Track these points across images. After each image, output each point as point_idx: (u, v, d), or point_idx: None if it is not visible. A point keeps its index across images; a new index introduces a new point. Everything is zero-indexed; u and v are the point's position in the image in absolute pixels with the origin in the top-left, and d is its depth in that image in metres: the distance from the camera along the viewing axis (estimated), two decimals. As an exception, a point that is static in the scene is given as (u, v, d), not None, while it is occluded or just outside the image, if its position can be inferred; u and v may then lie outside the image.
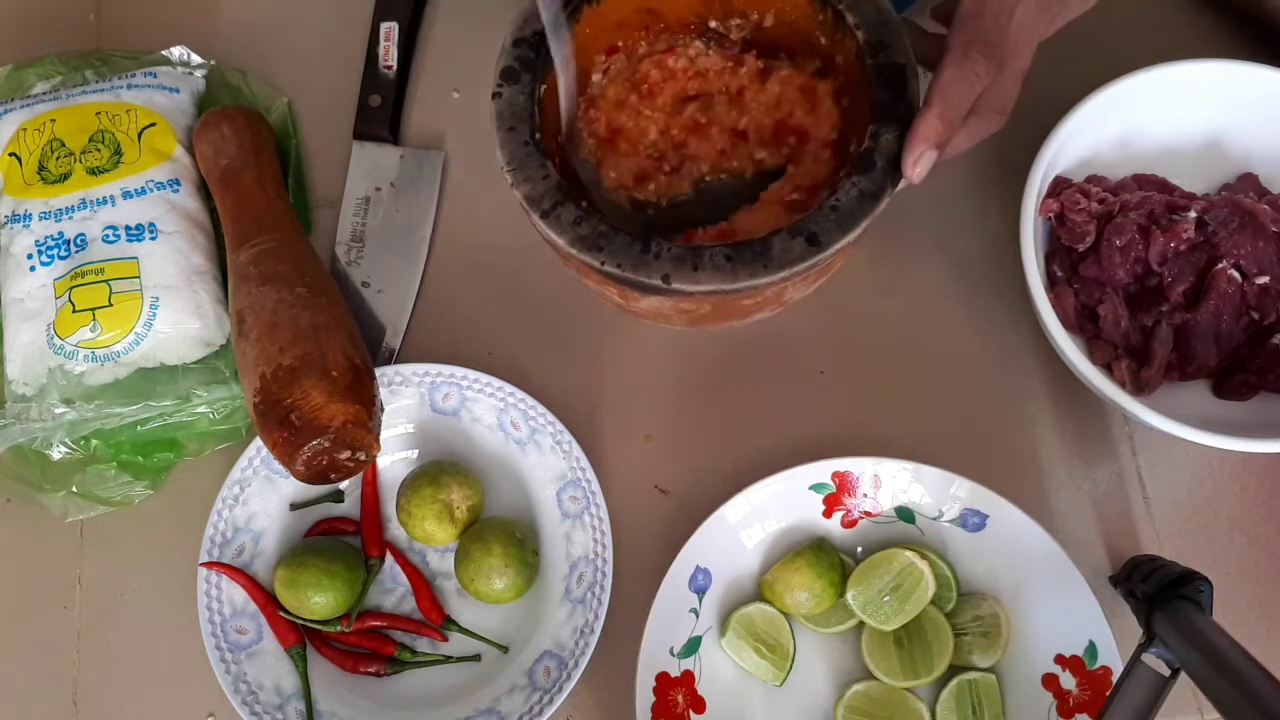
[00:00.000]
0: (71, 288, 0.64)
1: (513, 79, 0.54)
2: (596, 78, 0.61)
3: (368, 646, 0.63)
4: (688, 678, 0.61)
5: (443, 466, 0.64)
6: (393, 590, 0.65)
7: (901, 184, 0.52)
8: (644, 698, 0.59)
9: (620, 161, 0.60)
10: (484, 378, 0.65)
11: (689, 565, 0.61)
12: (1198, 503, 0.65)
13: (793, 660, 0.61)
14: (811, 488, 0.62)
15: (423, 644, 0.64)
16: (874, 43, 0.55)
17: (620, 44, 0.61)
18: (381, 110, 0.73)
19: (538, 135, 0.53)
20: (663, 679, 0.60)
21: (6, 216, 0.67)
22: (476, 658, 0.63)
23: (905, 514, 0.63)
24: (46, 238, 0.65)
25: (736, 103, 0.61)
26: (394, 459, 0.67)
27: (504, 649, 0.63)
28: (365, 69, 0.73)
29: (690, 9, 0.61)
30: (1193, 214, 0.62)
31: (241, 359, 0.61)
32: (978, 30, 0.50)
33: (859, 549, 0.64)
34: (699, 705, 0.60)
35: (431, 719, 0.61)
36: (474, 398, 0.66)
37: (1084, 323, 0.64)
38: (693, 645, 0.61)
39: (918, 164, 0.51)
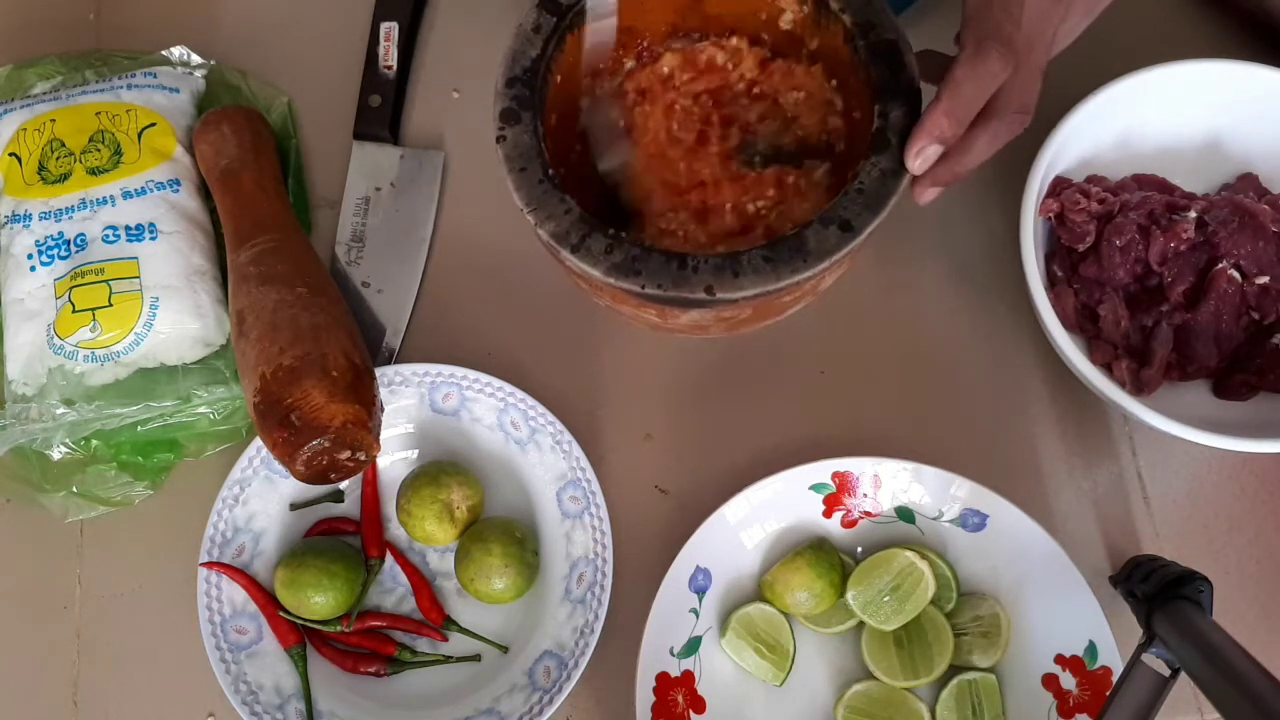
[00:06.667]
0: (71, 288, 0.64)
1: (514, 120, 0.54)
2: (584, 101, 0.61)
3: (368, 646, 0.63)
4: (688, 678, 0.61)
5: (443, 466, 0.64)
6: (393, 590, 0.65)
7: (905, 178, 0.52)
8: (644, 698, 0.59)
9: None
10: (484, 378, 0.65)
11: (689, 565, 0.61)
12: (1198, 503, 0.65)
13: (793, 660, 0.61)
14: (811, 488, 0.62)
15: (423, 644, 0.64)
16: (861, 23, 0.54)
17: (602, 65, 0.61)
18: (381, 110, 0.73)
19: (550, 171, 0.53)
20: (663, 679, 0.60)
21: (6, 216, 0.67)
22: (476, 658, 0.63)
23: (905, 514, 0.63)
24: (46, 238, 0.65)
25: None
26: (394, 459, 0.67)
27: (504, 649, 0.63)
28: (365, 69, 0.73)
29: (665, 21, 0.61)
30: (1193, 214, 0.62)
31: (241, 359, 0.61)
32: (988, 24, 0.49)
33: (859, 549, 0.64)
34: (699, 705, 0.60)
35: (431, 719, 0.61)
36: (474, 398, 0.66)
37: (1084, 323, 0.64)
38: (693, 645, 0.61)
39: (918, 156, 0.50)
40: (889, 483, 0.62)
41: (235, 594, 0.63)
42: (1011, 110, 0.51)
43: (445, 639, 0.64)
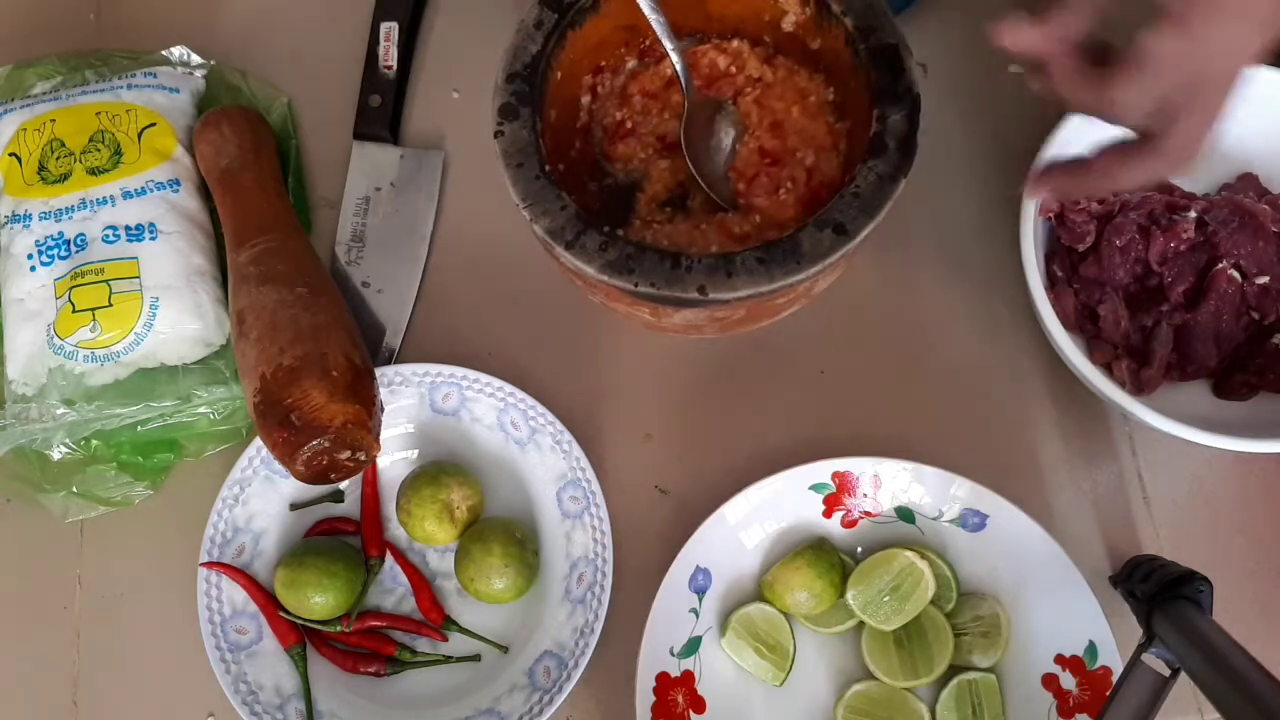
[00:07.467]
0: (71, 288, 0.64)
1: (512, 115, 0.54)
2: (585, 99, 0.61)
3: (368, 646, 0.63)
4: (688, 678, 0.61)
5: (443, 466, 0.64)
6: (393, 590, 0.65)
7: (901, 184, 0.52)
8: (644, 698, 0.59)
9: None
10: (484, 378, 0.65)
11: (689, 565, 0.61)
12: (1198, 503, 0.65)
13: (793, 660, 0.61)
14: (811, 488, 0.62)
15: (423, 644, 0.64)
16: (863, 27, 0.54)
17: (604, 63, 0.61)
18: (381, 110, 0.73)
19: (546, 167, 0.53)
20: (663, 679, 0.60)
21: (6, 216, 0.67)
22: (476, 658, 0.63)
23: (905, 514, 0.63)
24: (46, 238, 0.65)
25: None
26: (394, 459, 0.67)
27: (504, 649, 0.63)
28: (365, 69, 0.73)
29: (669, 20, 0.61)
30: (1193, 214, 0.62)
31: (241, 359, 0.61)
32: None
33: (859, 549, 0.64)
34: (699, 705, 0.60)
35: (431, 719, 0.61)
36: (474, 398, 0.66)
37: (1084, 323, 0.64)
38: (693, 645, 0.61)
39: (1010, 35, 0.46)
40: (889, 483, 0.62)
41: (235, 594, 0.63)
42: (1174, 154, 0.48)
43: (445, 639, 0.64)
